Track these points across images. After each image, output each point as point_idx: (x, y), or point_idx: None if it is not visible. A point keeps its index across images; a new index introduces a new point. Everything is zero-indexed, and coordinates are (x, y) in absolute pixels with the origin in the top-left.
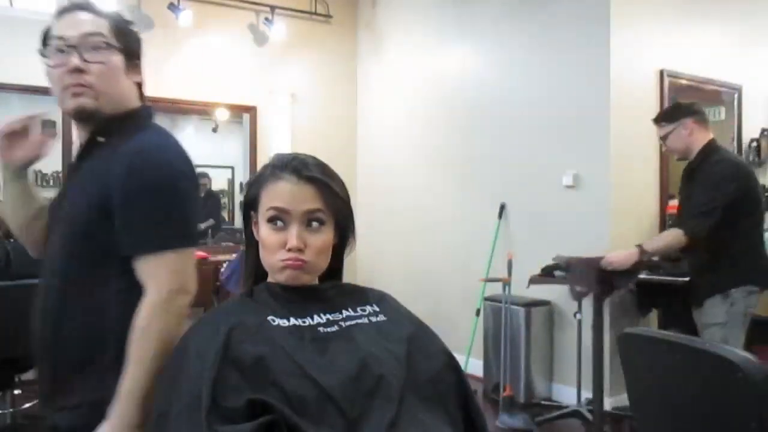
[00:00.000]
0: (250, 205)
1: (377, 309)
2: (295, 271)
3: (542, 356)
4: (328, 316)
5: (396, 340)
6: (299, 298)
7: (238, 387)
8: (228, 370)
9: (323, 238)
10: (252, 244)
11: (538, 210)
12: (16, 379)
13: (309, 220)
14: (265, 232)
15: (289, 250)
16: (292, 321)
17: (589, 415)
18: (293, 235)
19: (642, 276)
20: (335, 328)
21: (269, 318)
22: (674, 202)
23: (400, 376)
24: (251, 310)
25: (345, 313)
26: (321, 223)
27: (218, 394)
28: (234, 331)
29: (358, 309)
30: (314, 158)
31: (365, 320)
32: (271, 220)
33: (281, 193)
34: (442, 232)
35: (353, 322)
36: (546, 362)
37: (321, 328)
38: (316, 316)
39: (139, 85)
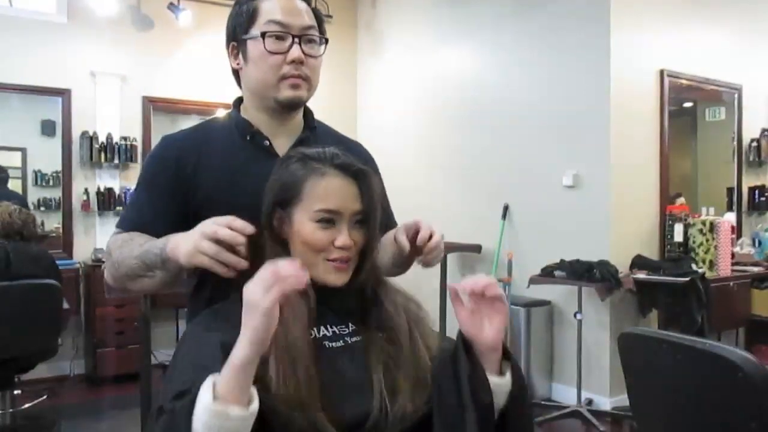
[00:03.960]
0: (280, 204)
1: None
2: (341, 272)
3: (542, 356)
4: (335, 329)
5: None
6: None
7: None
8: None
9: (366, 236)
10: (276, 244)
11: (539, 210)
12: (16, 379)
13: (356, 219)
14: (308, 231)
15: (340, 248)
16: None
17: (589, 415)
18: (345, 234)
19: (642, 276)
20: (340, 343)
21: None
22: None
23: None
24: None
25: (351, 327)
26: (365, 221)
27: None
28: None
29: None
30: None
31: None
32: (321, 221)
33: (331, 192)
34: (445, 232)
35: (358, 338)
36: (546, 362)
37: (326, 343)
38: (323, 328)
39: None
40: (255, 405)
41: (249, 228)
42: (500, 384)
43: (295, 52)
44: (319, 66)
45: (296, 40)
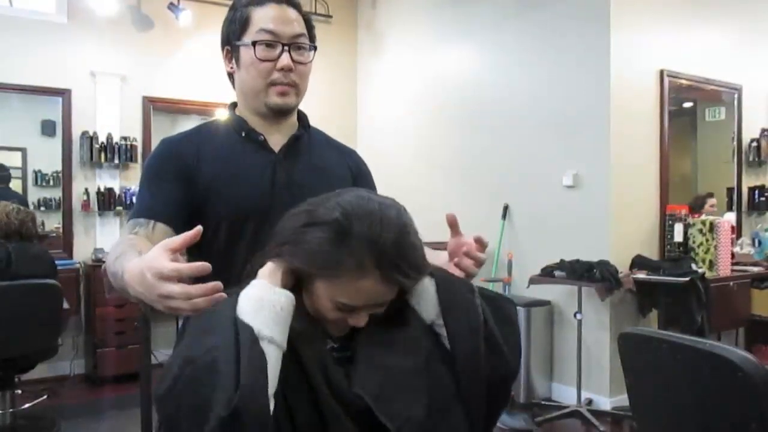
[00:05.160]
0: (305, 268)
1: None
2: (347, 328)
3: (542, 356)
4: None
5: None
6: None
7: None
8: None
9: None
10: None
11: (539, 210)
12: (16, 379)
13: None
14: (326, 309)
15: (352, 324)
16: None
17: (589, 415)
18: (363, 320)
19: (642, 276)
20: (348, 353)
21: None
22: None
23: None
24: None
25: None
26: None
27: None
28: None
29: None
30: (401, 230)
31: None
32: (341, 310)
33: (365, 294)
34: (445, 233)
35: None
36: (546, 362)
37: (335, 354)
38: (329, 341)
39: None
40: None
41: (185, 239)
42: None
43: (284, 60)
44: (309, 72)
45: (286, 48)
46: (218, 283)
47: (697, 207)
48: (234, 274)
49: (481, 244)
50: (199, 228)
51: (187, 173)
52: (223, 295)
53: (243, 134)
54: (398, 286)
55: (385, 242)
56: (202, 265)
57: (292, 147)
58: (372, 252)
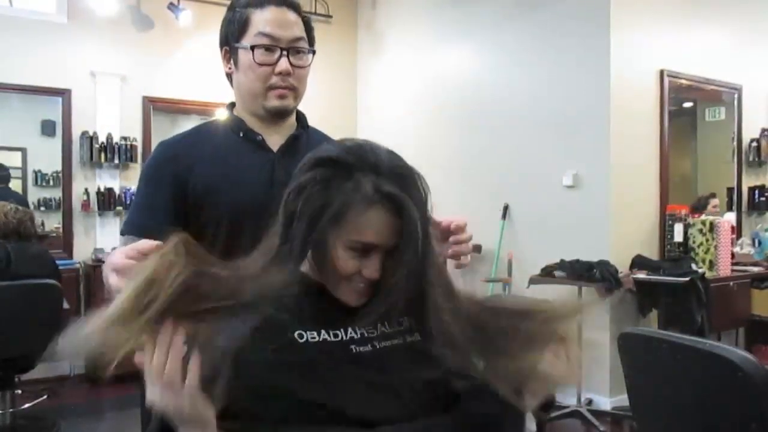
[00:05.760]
0: (311, 220)
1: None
2: (363, 298)
3: None
4: (363, 331)
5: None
6: (335, 307)
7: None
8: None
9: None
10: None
11: (539, 210)
12: (16, 379)
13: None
14: (340, 258)
15: (367, 278)
16: (323, 335)
17: (589, 415)
18: (376, 267)
19: (642, 276)
20: (368, 347)
21: (297, 333)
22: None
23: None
24: (279, 308)
25: (381, 328)
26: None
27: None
28: (253, 345)
29: (395, 323)
30: (400, 168)
31: (400, 340)
32: (354, 249)
33: (374, 227)
34: None
35: (388, 343)
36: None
37: (353, 347)
38: (350, 329)
39: None
40: None
41: (155, 245)
42: None
43: (283, 64)
44: (307, 75)
45: (284, 52)
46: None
47: (700, 207)
48: None
49: (458, 227)
50: (160, 243)
51: (183, 176)
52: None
53: (241, 134)
54: (402, 213)
55: (380, 164)
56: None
57: (290, 146)
58: (370, 174)
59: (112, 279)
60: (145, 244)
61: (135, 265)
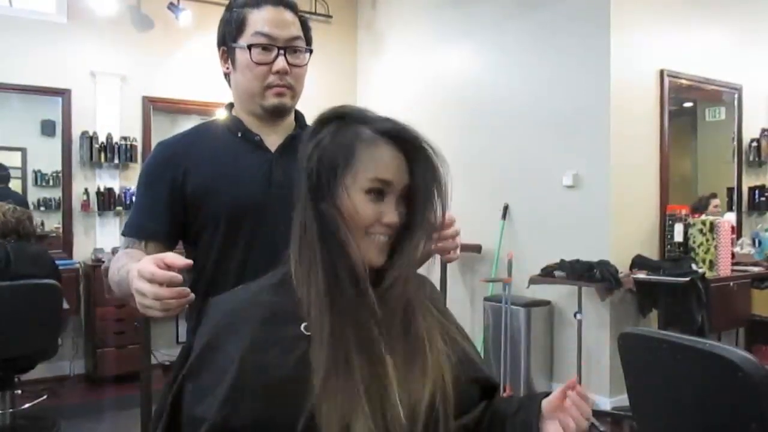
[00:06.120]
0: (328, 173)
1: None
2: (383, 254)
3: (542, 356)
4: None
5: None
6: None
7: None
8: (245, 402)
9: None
10: (330, 220)
11: (539, 210)
12: (16, 379)
13: (403, 193)
14: (358, 203)
15: (386, 225)
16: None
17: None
18: (393, 210)
19: (642, 276)
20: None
21: (304, 326)
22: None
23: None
24: (288, 305)
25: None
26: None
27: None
28: (255, 347)
29: None
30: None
31: None
32: (371, 192)
33: (385, 161)
34: None
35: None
36: (546, 362)
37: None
38: None
39: None
40: None
41: (181, 261)
42: None
43: (280, 63)
44: (304, 74)
45: (281, 51)
46: (187, 289)
47: (701, 208)
48: (231, 272)
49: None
50: (189, 261)
51: (181, 176)
52: (192, 297)
53: (239, 134)
54: (408, 152)
55: (377, 118)
56: (176, 278)
57: (288, 146)
58: (371, 125)
59: (142, 285)
60: (173, 257)
61: (164, 274)
